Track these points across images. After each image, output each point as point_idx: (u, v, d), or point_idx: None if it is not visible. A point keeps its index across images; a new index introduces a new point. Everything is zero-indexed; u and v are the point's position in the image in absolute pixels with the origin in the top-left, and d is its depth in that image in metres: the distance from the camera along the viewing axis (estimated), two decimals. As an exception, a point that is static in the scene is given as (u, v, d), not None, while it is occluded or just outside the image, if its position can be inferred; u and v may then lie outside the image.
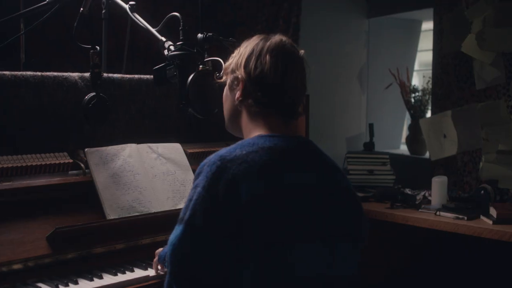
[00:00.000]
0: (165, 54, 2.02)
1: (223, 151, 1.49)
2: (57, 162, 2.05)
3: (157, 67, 2.06)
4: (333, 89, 4.29)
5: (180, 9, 3.67)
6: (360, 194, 3.20)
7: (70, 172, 2.10)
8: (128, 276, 1.85)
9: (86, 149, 2.10)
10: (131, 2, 2.22)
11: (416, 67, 4.79)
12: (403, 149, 4.42)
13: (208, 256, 1.42)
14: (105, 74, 2.28)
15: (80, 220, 1.98)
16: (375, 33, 4.42)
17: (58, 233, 1.85)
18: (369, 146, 3.59)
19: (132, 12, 2.22)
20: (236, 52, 1.65)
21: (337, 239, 1.54)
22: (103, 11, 2.49)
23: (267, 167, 1.46)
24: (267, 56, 1.56)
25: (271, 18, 4.05)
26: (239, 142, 1.54)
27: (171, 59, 1.95)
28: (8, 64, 2.72)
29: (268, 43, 1.58)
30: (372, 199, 3.13)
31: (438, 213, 2.80)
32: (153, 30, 2.13)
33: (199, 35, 2.36)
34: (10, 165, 1.95)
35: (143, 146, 2.24)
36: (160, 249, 1.86)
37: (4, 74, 2.02)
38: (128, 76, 2.36)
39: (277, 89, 1.56)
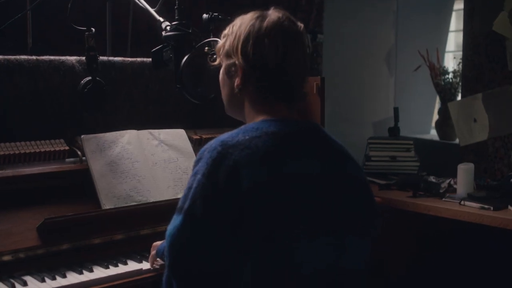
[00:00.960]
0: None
1: (224, 136, 1.40)
2: (52, 149, 1.98)
3: (155, 49, 1.97)
4: (359, 72, 4.13)
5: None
6: (382, 182, 3.05)
7: (67, 160, 2.03)
8: (120, 269, 1.77)
9: (82, 136, 2.02)
10: (132, -18, 2.13)
11: (452, 48, 4.57)
12: (433, 134, 4.22)
13: (209, 245, 1.34)
14: (105, 58, 2.19)
15: (74, 210, 1.90)
16: (404, 12, 4.21)
17: (48, 224, 1.77)
18: (394, 131, 3.42)
19: (133, -9, 2.12)
20: (229, 30, 1.53)
21: (345, 230, 1.44)
22: (107, -8, 2.41)
23: (271, 154, 1.36)
24: (266, 39, 1.44)
25: (294, -2, 3.90)
26: (242, 126, 1.44)
27: (166, 40, 1.84)
28: (15, 48, 2.66)
29: (265, 24, 1.45)
30: (394, 187, 2.96)
31: (462, 202, 2.63)
32: (152, 10, 2.03)
33: (204, 15, 2.26)
34: (2, 153, 1.88)
35: (144, 132, 2.15)
36: (158, 242, 1.76)
37: (-4, 58, 1.95)
38: (130, 59, 2.26)
39: (278, 73, 1.46)
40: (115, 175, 1.99)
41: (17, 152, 1.91)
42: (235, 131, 1.41)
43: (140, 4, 2.07)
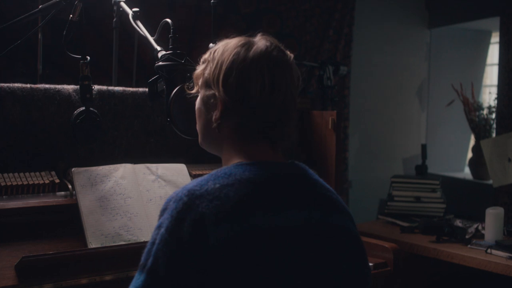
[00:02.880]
0: (159, 65, 1.82)
1: (193, 183, 1.24)
2: (41, 182, 1.89)
3: (151, 79, 1.86)
4: (389, 105, 3.96)
5: (224, 20, 3.49)
6: (404, 224, 2.86)
7: (58, 193, 1.93)
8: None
9: (73, 169, 1.91)
10: (134, 9, 2.05)
11: (492, 82, 4.34)
12: (468, 172, 3.99)
13: None
14: (104, 87, 2.10)
15: (60, 247, 1.79)
16: (437, 44, 4.04)
17: (25, 263, 1.66)
18: (421, 169, 3.23)
19: (135, 19, 2.03)
20: (209, 55, 1.36)
21: None
22: (114, 20, 2.33)
23: (243, 205, 1.19)
24: (251, 71, 1.28)
25: (321, 28, 3.79)
26: (214, 172, 1.27)
27: (157, 71, 1.73)
28: (26, 75, 2.62)
29: (251, 53, 1.30)
30: (417, 230, 2.77)
31: (489, 251, 2.42)
32: (151, 38, 1.93)
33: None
34: (-14, 185, 1.80)
35: (140, 167, 2.03)
36: None
37: (-13, 86, 1.88)
38: (131, 89, 2.17)
39: (263, 109, 1.29)
40: (104, 211, 1.88)
41: (3, 184, 1.83)
42: (205, 177, 1.25)
43: (141, 33, 1.97)
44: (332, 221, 1.30)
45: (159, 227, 1.21)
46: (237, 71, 1.29)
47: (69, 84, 2.07)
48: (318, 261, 1.26)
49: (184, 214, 1.18)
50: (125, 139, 2.15)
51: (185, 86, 1.58)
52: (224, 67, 1.30)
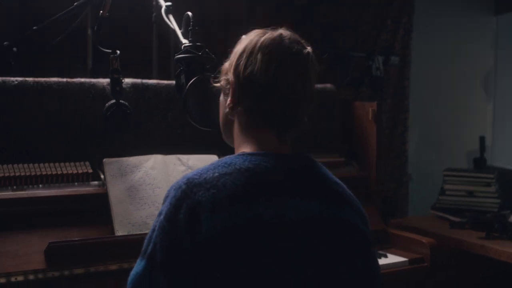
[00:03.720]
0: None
1: (193, 172, 1.26)
2: (75, 172, 1.97)
3: (177, 72, 1.89)
4: (452, 96, 3.82)
5: (276, 12, 3.48)
6: (455, 219, 2.75)
7: (91, 182, 2.00)
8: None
9: (104, 159, 1.98)
10: (167, 3, 2.08)
11: None
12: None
13: None
14: (139, 80, 2.16)
15: (88, 234, 1.87)
16: (504, 31, 3.84)
17: (52, 248, 1.75)
18: (479, 162, 3.09)
19: (167, 14, 2.07)
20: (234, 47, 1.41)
21: None
22: (153, 14, 2.39)
23: (240, 195, 1.20)
24: (259, 54, 1.30)
25: (379, 18, 3.69)
26: (215, 161, 1.29)
27: (177, 63, 1.76)
28: (76, 70, 2.72)
29: (263, 39, 1.33)
30: (468, 225, 2.66)
31: (540, 249, 2.28)
32: (178, 31, 1.96)
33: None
34: (22, 174, 1.90)
35: (171, 158, 2.08)
36: None
37: (26, 80, 1.97)
38: (165, 82, 2.21)
39: (268, 94, 1.30)
40: (133, 201, 1.94)
41: (38, 173, 1.92)
42: (206, 166, 1.26)
43: (171, 26, 2.01)
44: (343, 216, 1.29)
45: (159, 214, 1.25)
46: (246, 54, 1.32)
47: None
48: (330, 255, 1.24)
49: (182, 201, 1.20)
50: (158, 132, 2.20)
51: (203, 78, 1.60)
52: (238, 53, 1.35)
